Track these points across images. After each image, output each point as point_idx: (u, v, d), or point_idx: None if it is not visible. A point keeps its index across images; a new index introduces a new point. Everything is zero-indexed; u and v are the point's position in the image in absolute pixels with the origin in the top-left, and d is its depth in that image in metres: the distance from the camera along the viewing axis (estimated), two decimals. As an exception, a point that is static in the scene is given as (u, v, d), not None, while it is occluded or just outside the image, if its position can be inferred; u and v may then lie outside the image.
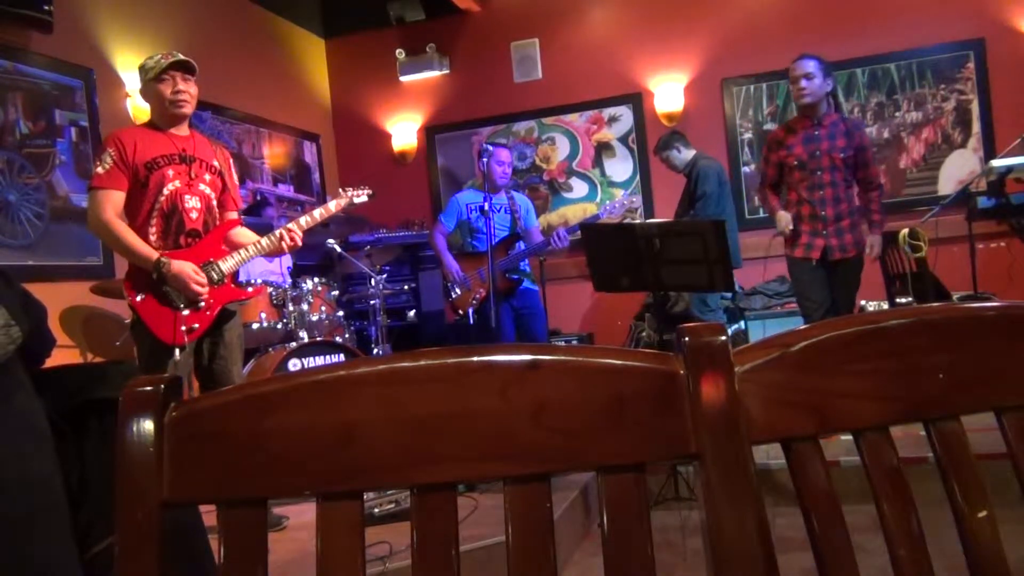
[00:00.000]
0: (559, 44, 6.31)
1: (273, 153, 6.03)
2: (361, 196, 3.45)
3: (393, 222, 6.11)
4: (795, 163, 3.92)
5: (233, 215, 3.12)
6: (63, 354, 3.62)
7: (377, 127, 6.76)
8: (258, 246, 3.01)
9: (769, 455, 3.21)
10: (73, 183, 4.26)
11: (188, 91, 2.94)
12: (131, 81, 4.70)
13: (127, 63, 4.70)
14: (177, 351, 2.82)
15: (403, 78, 6.57)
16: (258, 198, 5.68)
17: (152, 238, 2.89)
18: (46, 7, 4.00)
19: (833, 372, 0.63)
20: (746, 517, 0.59)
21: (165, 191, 2.88)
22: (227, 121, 5.53)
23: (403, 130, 6.68)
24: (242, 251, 3.01)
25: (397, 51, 6.53)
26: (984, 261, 4.74)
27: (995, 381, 0.65)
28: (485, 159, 4.43)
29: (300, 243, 3.07)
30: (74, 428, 1.29)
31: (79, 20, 4.42)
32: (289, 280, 4.34)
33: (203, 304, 2.90)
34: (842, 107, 4.04)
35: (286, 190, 6.13)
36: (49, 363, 1.41)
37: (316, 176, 6.55)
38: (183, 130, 3.02)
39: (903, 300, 4.42)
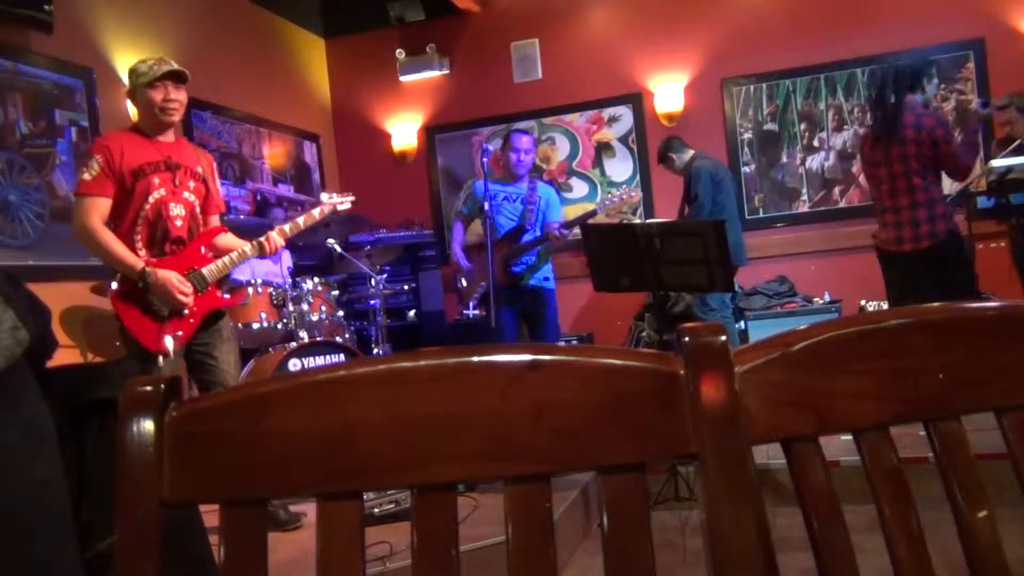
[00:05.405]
0: (559, 44, 6.31)
1: (273, 153, 6.03)
2: (344, 203, 3.50)
3: (393, 222, 6.10)
4: None
5: (215, 219, 3.16)
6: (63, 354, 3.61)
7: (377, 127, 6.75)
8: (241, 252, 3.08)
9: (769, 455, 3.21)
10: (73, 183, 4.26)
11: (178, 99, 2.95)
12: (131, 81, 4.70)
13: (127, 63, 4.66)
14: (161, 358, 2.83)
15: (403, 78, 6.56)
16: (258, 198, 5.68)
17: (138, 246, 2.90)
18: (46, 7, 4.00)
19: (833, 372, 0.63)
20: (746, 517, 0.59)
21: (151, 199, 2.90)
22: (227, 121, 5.53)
23: (403, 130, 6.67)
24: (225, 259, 3.06)
25: (397, 51, 6.53)
26: (984, 261, 4.73)
27: (995, 381, 0.65)
28: (485, 159, 4.40)
29: (281, 249, 3.20)
30: (74, 428, 1.29)
31: (79, 20, 4.42)
32: (289, 280, 4.34)
33: (187, 312, 2.92)
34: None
35: (286, 190, 6.13)
36: (49, 363, 1.41)
37: (316, 176, 6.54)
38: (169, 136, 3.03)
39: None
